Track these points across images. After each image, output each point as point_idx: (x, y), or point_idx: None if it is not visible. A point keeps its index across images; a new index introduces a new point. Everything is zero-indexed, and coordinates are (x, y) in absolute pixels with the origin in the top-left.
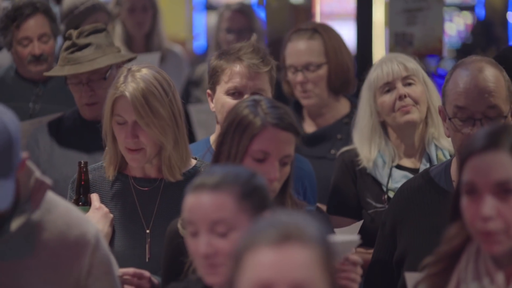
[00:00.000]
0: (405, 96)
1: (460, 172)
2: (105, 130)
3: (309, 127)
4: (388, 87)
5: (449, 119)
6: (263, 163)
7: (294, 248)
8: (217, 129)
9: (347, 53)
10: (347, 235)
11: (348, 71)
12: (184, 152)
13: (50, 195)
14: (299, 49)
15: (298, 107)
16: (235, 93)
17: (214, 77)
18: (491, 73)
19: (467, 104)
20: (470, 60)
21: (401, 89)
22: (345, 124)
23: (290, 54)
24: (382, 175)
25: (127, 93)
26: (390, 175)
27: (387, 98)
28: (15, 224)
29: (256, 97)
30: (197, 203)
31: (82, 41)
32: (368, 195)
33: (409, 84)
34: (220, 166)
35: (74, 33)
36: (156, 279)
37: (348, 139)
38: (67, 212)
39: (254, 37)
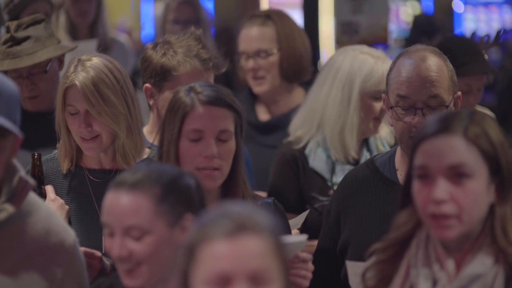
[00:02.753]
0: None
1: (412, 157)
2: (58, 122)
3: (263, 116)
4: (380, 95)
5: (391, 107)
6: (199, 142)
7: (248, 238)
8: (151, 120)
9: (302, 41)
10: (295, 236)
11: (302, 59)
12: (138, 140)
13: (32, 197)
14: (250, 35)
15: (252, 95)
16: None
17: (163, 75)
18: (434, 63)
19: (409, 93)
20: (414, 49)
21: None
22: None
23: (243, 40)
24: (323, 169)
25: (77, 82)
26: (333, 170)
27: (377, 106)
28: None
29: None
30: (114, 204)
31: (21, 34)
32: (313, 189)
33: None
34: (148, 163)
35: (12, 26)
36: (108, 261)
37: None
38: (47, 217)
39: (199, 31)
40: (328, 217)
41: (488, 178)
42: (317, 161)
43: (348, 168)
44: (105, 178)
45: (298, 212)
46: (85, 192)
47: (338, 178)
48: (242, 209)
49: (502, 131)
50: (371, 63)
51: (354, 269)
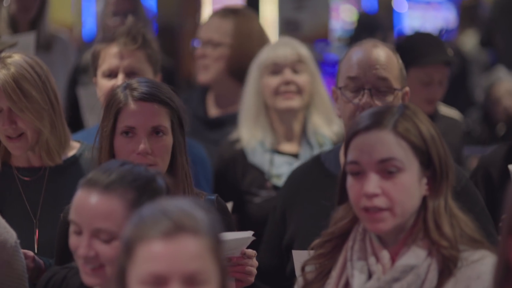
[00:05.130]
0: (290, 83)
1: (345, 154)
2: None
3: (213, 111)
4: (276, 69)
5: (340, 89)
6: (132, 138)
7: (186, 239)
8: None
9: (259, 43)
10: (240, 233)
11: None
12: (62, 135)
13: None
14: (209, 24)
15: (204, 90)
16: (110, 74)
17: (94, 63)
18: (384, 51)
19: (358, 74)
20: (366, 41)
21: (287, 74)
22: None
23: (202, 27)
24: (263, 162)
25: None
26: (271, 161)
27: (272, 81)
28: None
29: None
30: (85, 204)
31: None
32: (253, 185)
33: (297, 71)
34: (122, 163)
35: None
36: (42, 260)
37: None
38: None
39: (130, 18)
40: (274, 214)
41: (419, 172)
42: (255, 155)
43: (288, 159)
44: (34, 176)
45: (237, 211)
46: (15, 191)
47: (277, 170)
48: (181, 208)
49: (434, 125)
50: (267, 47)
51: (299, 258)
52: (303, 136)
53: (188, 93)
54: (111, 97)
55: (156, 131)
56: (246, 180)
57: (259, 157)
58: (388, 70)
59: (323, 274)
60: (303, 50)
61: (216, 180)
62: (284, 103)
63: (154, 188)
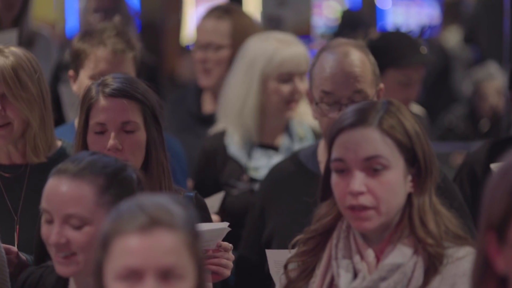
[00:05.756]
0: (298, 92)
1: (329, 151)
2: None
3: (209, 108)
4: (288, 78)
5: (316, 103)
6: (103, 135)
7: (161, 234)
8: None
9: None
10: (216, 224)
11: None
12: (50, 133)
13: None
14: (205, 27)
15: (199, 87)
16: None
17: (78, 60)
18: (357, 57)
19: (333, 90)
20: (336, 43)
21: (299, 85)
22: None
23: (197, 31)
24: (241, 154)
25: None
26: (249, 153)
27: (284, 89)
28: None
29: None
30: (55, 191)
31: None
32: (231, 177)
33: (302, 78)
34: (92, 153)
35: None
36: (25, 256)
37: None
38: None
39: (117, 18)
40: (253, 210)
41: (404, 169)
42: (234, 147)
43: (267, 152)
44: (15, 173)
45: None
46: None
47: (255, 162)
48: (157, 203)
49: (418, 122)
50: (274, 47)
51: (273, 257)
52: (285, 128)
53: (184, 91)
54: (85, 93)
55: (126, 127)
56: (225, 172)
57: (238, 149)
58: (362, 81)
59: (307, 272)
60: (307, 55)
61: (198, 172)
62: (288, 113)
63: (124, 177)
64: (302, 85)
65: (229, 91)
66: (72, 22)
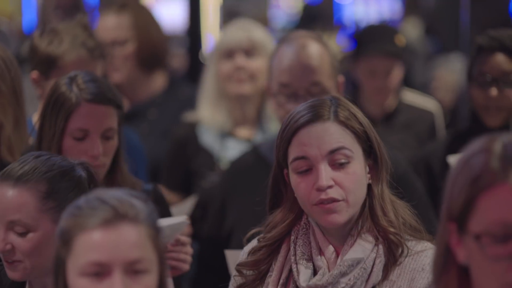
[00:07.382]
0: (241, 68)
1: (282, 154)
2: None
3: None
4: (229, 54)
5: (274, 95)
6: (84, 140)
7: (126, 227)
8: (39, 109)
9: (156, 28)
10: (174, 218)
11: (158, 45)
12: (24, 134)
13: None
14: (106, 24)
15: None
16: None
17: (50, 65)
18: (314, 50)
19: (291, 81)
20: (294, 35)
21: (239, 59)
22: (158, 103)
23: (100, 31)
24: (213, 145)
25: None
26: (222, 144)
27: (225, 66)
28: None
29: (73, 73)
30: None
31: None
32: (203, 165)
33: (250, 55)
34: (38, 154)
35: None
36: None
37: (162, 117)
38: None
39: (83, 17)
40: (214, 205)
41: (363, 159)
42: (207, 137)
43: (240, 144)
44: None
45: (185, 191)
46: None
47: (228, 152)
48: (118, 197)
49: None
50: (226, 28)
51: (233, 258)
52: (259, 121)
53: None
54: (57, 96)
55: (107, 133)
56: (197, 162)
57: (211, 139)
58: (320, 73)
59: (261, 275)
60: (259, 34)
61: (168, 160)
62: (235, 89)
63: (71, 179)
64: (248, 61)
65: (204, 82)
66: (29, 16)
